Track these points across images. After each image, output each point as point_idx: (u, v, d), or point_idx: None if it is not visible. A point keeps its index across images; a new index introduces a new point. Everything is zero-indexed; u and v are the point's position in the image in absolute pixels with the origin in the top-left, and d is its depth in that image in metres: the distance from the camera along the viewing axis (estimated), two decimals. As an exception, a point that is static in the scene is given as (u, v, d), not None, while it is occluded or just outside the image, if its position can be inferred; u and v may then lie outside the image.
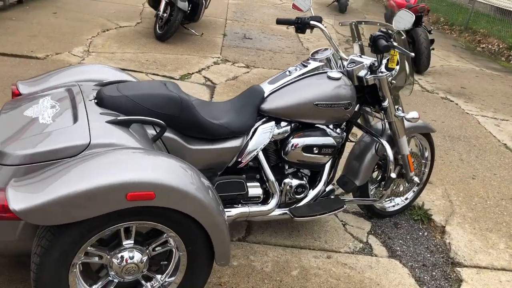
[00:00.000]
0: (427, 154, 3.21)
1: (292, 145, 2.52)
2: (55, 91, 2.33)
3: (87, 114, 2.05)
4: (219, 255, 1.96)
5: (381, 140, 2.74)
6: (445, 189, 3.63)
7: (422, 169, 3.24)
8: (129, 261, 1.88)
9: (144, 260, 1.92)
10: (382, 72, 2.64)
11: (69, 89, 2.32)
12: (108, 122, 2.01)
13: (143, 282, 2.01)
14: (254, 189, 2.54)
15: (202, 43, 6.63)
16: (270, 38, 7.53)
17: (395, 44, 2.54)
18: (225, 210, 2.44)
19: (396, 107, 2.74)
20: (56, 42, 5.61)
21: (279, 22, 2.90)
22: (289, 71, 2.63)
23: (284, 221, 2.89)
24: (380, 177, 3.07)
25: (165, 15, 6.26)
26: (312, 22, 2.76)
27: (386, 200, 3.21)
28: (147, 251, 1.94)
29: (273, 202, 2.56)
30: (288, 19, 2.86)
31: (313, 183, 2.71)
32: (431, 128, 3.11)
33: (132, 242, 1.91)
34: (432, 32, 6.77)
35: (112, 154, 1.79)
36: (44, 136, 1.89)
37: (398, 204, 3.22)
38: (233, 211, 2.47)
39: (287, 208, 2.60)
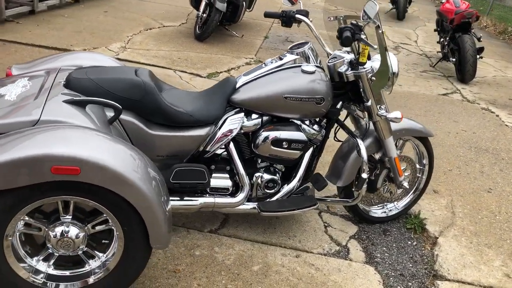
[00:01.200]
0: (425, 160, 3.03)
1: (262, 138, 2.48)
2: (36, 73, 2.45)
3: (48, 94, 2.14)
4: (153, 239, 1.97)
5: (357, 139, 2.64)
6: (452, 199, 3.40)
7: (419, 175, 3.06)
8: (64, 235, 1.94)
9: (81, 236, 1.97)
10: (363, 68, 2.54)
11: (48, 71, 2.44)
12: (65, 101, 2.09)
13: (84, 258, 2.06)
14: (223, 180, 2.53)
15: (240, 44, 6.69)
16: (314, 41, 7.45)
17: (362, 37, 2.44)
18: (189, 198, 2.45)
19: (379, 106, 2.62)
20: (97, 38, 5.91)
21: (267, 15, 2.89)
22: (264, 63, 2.61)
23: (257, 216, 2.84)
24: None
25: (204, 15, 6.39)
26: (297, 16, 2.72)
27: (378, 206, 3.08)
28: (86, 228, 1.99)
29: (241, 195, 2.53)
30: (275, 12, 2.84)
31: (288, 179, 2.65)
32: (428, 132, 2.94)
33: (70, 217, 1.96)
34: (481, 39, 6.40)
35: (50, 129, 1.86)
36: (1, 111, 2.00)
37: (390, 210, 3.07)
38: (198, 201, 2.47)
39: (257, 203, 2.57)
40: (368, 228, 2.99)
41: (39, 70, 2.51)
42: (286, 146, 2.50)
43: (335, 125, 2.76)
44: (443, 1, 7.05)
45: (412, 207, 3.15)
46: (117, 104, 2.16)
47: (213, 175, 2.53)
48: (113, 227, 2.01)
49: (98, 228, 2.02)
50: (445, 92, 5.93)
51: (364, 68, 2.54)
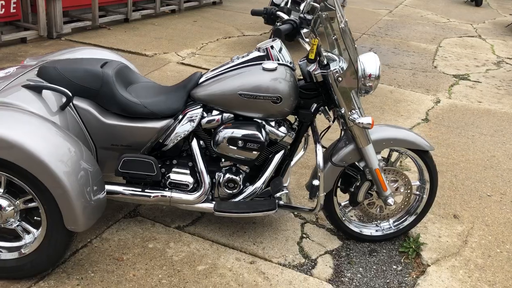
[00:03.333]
0: (426, 177, 2.69)
1: (219, 135, 2.42)
2: (31, 62, 2.70)
3: (15, 79, 2.35)
4: (67, 221, 2.05)
5: (317, 144, 2.44)
6: (472, 227, 2.95)
7: (417, 193, 2.72)
8: (-9, 206, 2.10)
9: (9, 210, 2.11)
10: (332, 67, 2.35)
11: (39, 62, 2.67)
12: (23, 86, 2.28)
13: (19, 232, 2.19)
14: (183, 176, 2.52)
15: (314, 53, 6.57)
16: (398, 53, 7.04)
17: (303, 31, 2.26)
18: (143, 190, 2.48)
19: (351, 110, 2.39)
20: (173, 44, 6.26)
21: (253, 12, 2.83)
22: (232, 59, 2.54)
23: (233, 218, 2.76)
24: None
25: (278, 24, 6.41)
26: (278, 13, 2.62)
27: (372, 223, 2.80)
28: (16, 203, 2.13)
29: (199, 192, 2.50)
30: (259, 10, 2.76)
31: (254, 181, 2.55)
32: (426, 144, 2.60)
33: (2, 190, 2.11)
34: None
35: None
36: None
37: (383, 229, 2.77)
38: (153, 193, 2.49)
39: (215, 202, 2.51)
40: (354, 245, 2.73)
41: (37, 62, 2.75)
42: (241, 145, 2.41)
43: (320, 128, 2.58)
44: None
45: (412, 228, 2.80)
46: (67, 91, 2.29)
47: (174, 169, 2.53)
48: (38, 204, 2.12)
49: (30, 205, 2.15)
50: (534, 112, 5.17)
51: (333, 67, 2.35)
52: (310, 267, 2.51)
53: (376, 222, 2.79)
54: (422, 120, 4.63)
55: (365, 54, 2.50)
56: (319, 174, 2.39)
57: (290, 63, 2.50)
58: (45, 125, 2.09)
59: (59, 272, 2.29)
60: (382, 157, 2.64)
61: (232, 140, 2.40)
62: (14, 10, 5.71)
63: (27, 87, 2.28)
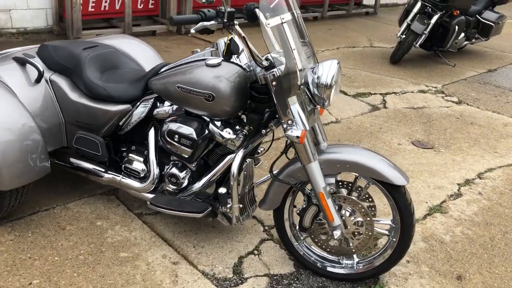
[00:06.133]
0: (396, 216, 2.21)
1: (163, 127, 2.38)
2: None
3: (17, 51, 2.70)
4: None
5: (239, 151, 2.19)
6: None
7: (386, 233, 2.25)
8: None
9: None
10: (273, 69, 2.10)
11: None
12: (12, 58, 2.60)
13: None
14: (136, 163, 2.56)
15: (440, 72, 5.87)
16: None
17: (209, 23, 2.03)
18: (99, 169, 2.59)
19: (288, 120, 2.09)
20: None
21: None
22: (193, 52, 2.47)
23: (197, 219, 2.64)
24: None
25: (403, 36, 5.90)
26: (256, 10, 2.43)
27: (333, 257, 2.41)
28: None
29: (146, 182, 2.49)
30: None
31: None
32: (396, 177, 2.11)
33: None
34: None
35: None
36: None
37: (343, 267, 2.36)
38: (105, 174, 2.58)
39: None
40: (306, 277, 2.38)
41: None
42: (177, 140, 2.32)
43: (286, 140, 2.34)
44: None
45: (381, 273, 2.33)
46: (39, 67, 2.53)
47: (130, 155, 2.58)
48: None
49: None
50: None
51: (273, 70, 2.09)
52: (232, 285, 2.28)
53: (338, 257, 2.40)
54: (518, 161, 3.76)
55: (326, 61, 2.18)
56: (231, 182, 2.16)
57: (245, 64, 2.31)
58: (5, 98, 2.35)
59: (6, 226, 2.53)
60: (343, 182, 2.26)
61: (170, 133, 2.33)
62: (152, 6, 6.39)
63: (14, 59, 2.57)
